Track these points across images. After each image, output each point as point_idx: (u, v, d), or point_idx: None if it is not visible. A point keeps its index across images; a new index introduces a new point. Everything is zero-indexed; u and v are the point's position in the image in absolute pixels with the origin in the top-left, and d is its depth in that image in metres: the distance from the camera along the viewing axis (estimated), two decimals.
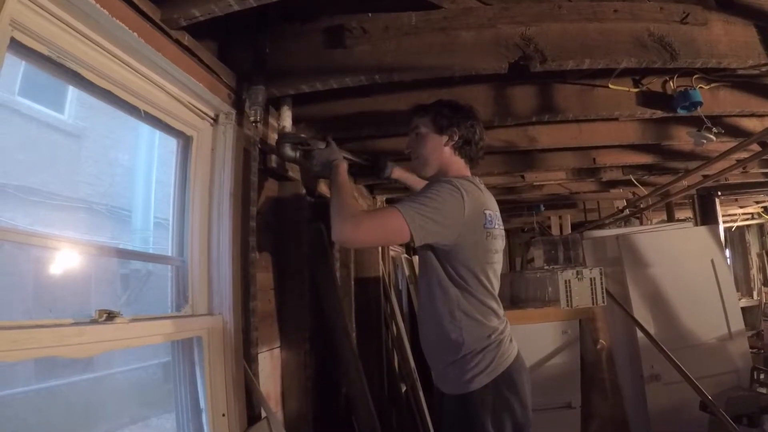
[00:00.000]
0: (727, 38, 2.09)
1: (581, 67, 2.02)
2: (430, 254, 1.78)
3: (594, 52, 1.99)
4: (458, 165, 1.92)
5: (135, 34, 1.41)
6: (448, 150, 1.90)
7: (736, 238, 9.25)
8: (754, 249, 9.11)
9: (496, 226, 1.82)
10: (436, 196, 1.67)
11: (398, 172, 2.42)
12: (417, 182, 2.34)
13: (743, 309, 6.35)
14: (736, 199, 6.91)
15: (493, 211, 1.83)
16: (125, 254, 1.95)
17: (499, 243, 1.87)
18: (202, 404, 1.84)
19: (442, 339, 1.80)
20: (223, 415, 1.85)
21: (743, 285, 8.85)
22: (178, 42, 1.61)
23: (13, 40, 1.16)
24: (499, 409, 1.71)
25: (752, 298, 8.38)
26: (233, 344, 1.89)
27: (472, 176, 1.90)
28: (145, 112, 1.64)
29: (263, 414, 2.04)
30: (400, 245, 5.54)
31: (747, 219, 8.48)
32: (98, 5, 1.27)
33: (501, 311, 1.86)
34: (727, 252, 9.10)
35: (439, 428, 1.94)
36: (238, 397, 1.89)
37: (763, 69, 2.31)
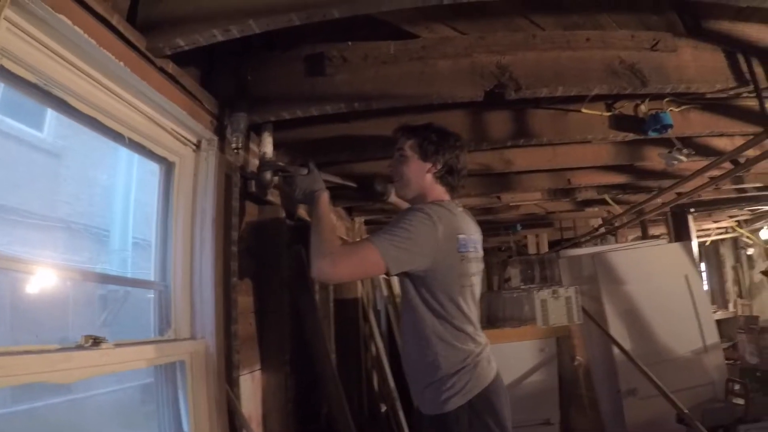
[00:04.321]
0: (695, 64, 2.18)
1: (554, 94, 2.10)
2: (407, 281, 1.81)
3: (567, 80, 2.07)
4: (438, 191, 1.93)
5: (121, 63, 1.43)
6: (430, 177, 1.92)
7: (711, 252, 9.43)
8: (729, 262, 9.28)
9: (471, 250, 1.84)
10: (409, 226, 1.70)
11: (395, 197, 2.40)
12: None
13: (719, 321, 6.49)
14: (710, 214, 7.08)
15: (468, 234, 1.84)
16: (109, 279, 1.96)
17: (475, 266, 1.89)
18: (185, 427, 1.84)
19: (419, 361, 1.83)
20: None
21: (719, 298, 9.03)
22: (162, 70, 1.64)
23: (1, 67, 1.18)
24: (476, 430, 1.73)
25: (728, 310, 8.56)
26: (216, 368, 1.90)
27: (448, 201, 1.92)
28: (130, 139, 1.66)
29: None
30: None
31: (721, 233, 8.67)
32: (85, 35, 1.29)
33: (479, 335, 1.87)
34: (703, 266, 9.29)
35: None
36: (220, 420, 1.90)
37: (731, 92, 2.41)
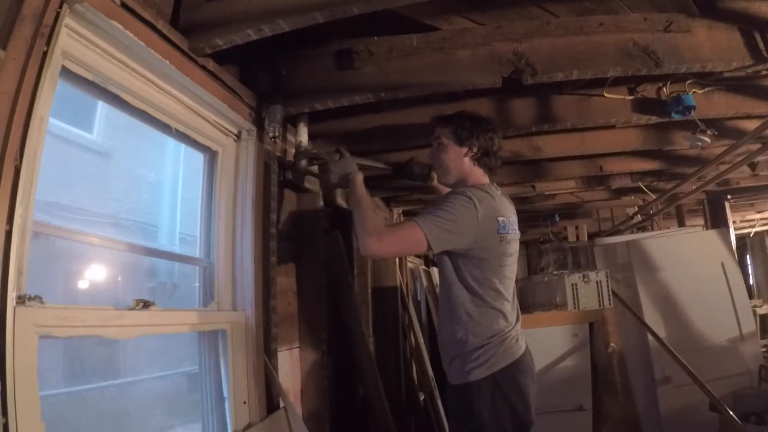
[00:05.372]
0: (710, 43, 2.21)
1: (570, 78, 2.19)
2: (446, 259, 1.93)
3: (581, 64, 2.15)
4: (477, 174, 2.04)
5: (167, 61, 1.62)
6: (467, 160, 2.02)
7: (756, 244, 9.16)
8: None
9: (510, 231, 1.94)
10: (451, 208, 1.81)
11: (435, 179, 2.51)
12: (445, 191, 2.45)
13: (763, 316, 6.34)
14: (752, 204, 6.91)
15: (507, 216, 1.94)
16: (158, 253, 2.16)
17: (513, 247, 1.98)
18: (225, 393, 2.02)
19: (450, 336, 1.94)
20: (244, 402, 2.03)
21: (764, 291, 8.75)
22: (203, 67, 1.83)
23: (63, 68, 1.37)
24: (499, 403, 1.82)
25: None
26: (254, 338, 2.08)
27: (488, 185, 2.01)
28: (176, 130, 1.85)
29: (281, 404, 2.21)
30: (418, 257, 5.66)
31: (766, 224, 8.42)
32: (135, 37, 1.48)
33: (512, 314, 1.96)
34: (748, 258, 9.03)
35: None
36: (258, 387, 2.07)
37: (749, 71, 2.43)
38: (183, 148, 2.82)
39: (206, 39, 1.75)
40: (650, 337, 4.30)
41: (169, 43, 1.65)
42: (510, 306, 1.96)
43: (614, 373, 4.33)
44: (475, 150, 2.01)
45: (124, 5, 1.43)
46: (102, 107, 4.54)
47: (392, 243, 1.83)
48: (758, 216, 7.79)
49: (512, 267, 1.99)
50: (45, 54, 1.20)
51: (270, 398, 2.15)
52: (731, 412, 3.28)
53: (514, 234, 1.98)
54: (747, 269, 8.98)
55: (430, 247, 1.80)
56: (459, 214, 1.80)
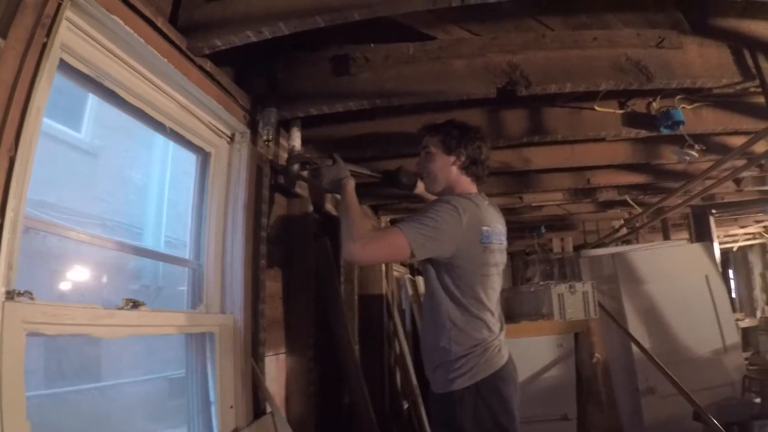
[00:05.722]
0: (701, 60, 2.26)
1: (563, 90, 2.21)
2: (430, 267, 1.93)
3: (575, 77, 2.18)
4: (465, 183, 2.04)
5: (165, 59, 1.62)
6: (455, 169, 2.02)
7: (739, 259, 9.31)
8: (757, 269, 9.15)
9: (494, 242, 1.93)
10: (435, 215, 1.81)
11: (420, 188, 2.50)
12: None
13: (745, 330, 6.42)
14: (736, 219, 7.03)
15: (492, 226, 1.93)
16: (148, 253, 2.14)
17: (498, 257, 1.98)
18: (212, 397, 2.00)
19: (433, 343, 1.94)
20: (231, 407, 2.01)
21: (746, 305, 8.88)
22: (201, 67, 1.82)
23: (61, 61, 1.35)
24: (482, 412, 1.82)
25: (755, 318, 8.37)
26: (242, 342, 2.06)
27: (475, 194, 2.01)
28: (171, 129, 1.85)
29: (268, 409, 2.19)
30: (404, 265, 5.66)
31: (749, 239, 8.56)
32: (135, 33, 1.48)
33: (495, 324, 1.96)
34: (731, 272, 9.15)
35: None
36: (245, 391, 2.05)
37: (738, 87, 2.48)
38: (171, 151, 2.81)
39: (205, 39, 1.74)
40: (634, 348, 4.34)
41: (168, 42, 1.64)
42: (493, 316, 1.95)
43: (599, 384, 4.35)
44: (462, 159, 2.01)
45: (124, 0, 1.43)
46: (91, 106, 4.50)
47: (375, 249, 1.83)
48: (741, 231, 7.92)
49: (496, 278, 1.98)
50: (45, 45, 1.19)
51: (257, 403, 2.14)
52: (715, 421, 3.31)
53: (499, 244, 1.97)
54: (730, 284, 9.10)
55: (413, 255, 1.79)
56: (443, 221, 1.81)
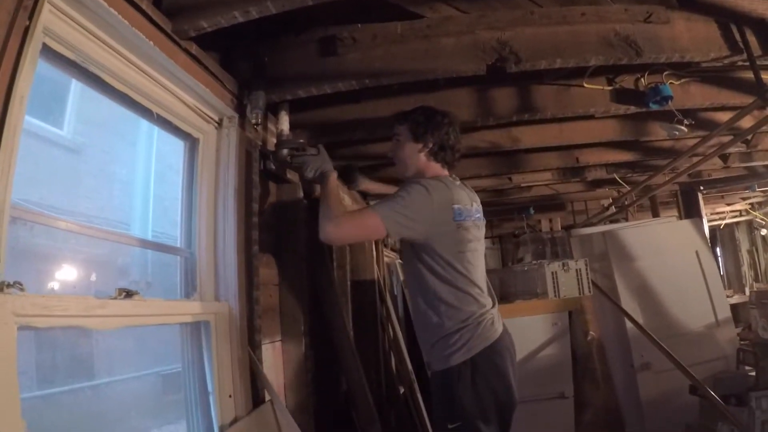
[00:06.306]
0: (689, 34, 2.27)
1: (553, 66, 2.20)
2: (409, 248, 1.99)
3: (564, 53, 2.17)
4: (434, 168, 2.11)
5: (151, 42, 1.57)
6: (423, 156, 2.10)
7: (726, 236, 9.40)
8: (744, 246, 9.26)
9: (466, 219, 1.99)
10: (406, 195, 1.89)
11: (365, 185, 2.70)
12: (386, 189, 2.61)
13: (735, 306, 6.49)
14: (722, 196, 7.09)
15: (464, 204, 1.99)
16: (141, 243, 2.09)
17: (474, 233, 2.03)
18: (210, 387, 1.98)
19: (426, 323, 1.99)
20: (230, 396, 1.98)
21: (735, 282, 8.99)
22: (186, 51, 1.78)
23: (44, 45, 1.31)
24: (480, 386, 1.87)
25: (744, 294, 8.48)
26: (239, 329, 2.04)
27: (445, 176, 2.08)
28: (158, 115, 1.80)
29: (267, 397, 2.17)
30: (394, 250, 5.66)
31: (735, 216, 8.65)
32: (119, 15, 1.43)
33: (484, 297, 2.01)
34: (718, 250, 9.25)
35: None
36: (243, 380, 2.03)
37: (725, 61, 2.49)
38: (156, 146, 2.77)
39: (191, 21, 1.70)
40: (629, 325, 4.39)
41: (153, 24, 1.60)
42: (482, 291, 2.01)
43: (594, 361, 4.40)
44: (430, 145, 2.08)
45: None
46: (73, 102, 4.42)
47: (348, 228, 1.90)
48: (728, 208, 8.01)
49: (475, 254, 2.03)
50: (27, 29, 1.15)
51: (256, 391, 2.12)
52: (713, 393, 3.35)
53: (472, 221, 2.03)
54: (718, 261, 9.19)
55: (388, 233, 1.87)
56: (412, 200, 1.88)
